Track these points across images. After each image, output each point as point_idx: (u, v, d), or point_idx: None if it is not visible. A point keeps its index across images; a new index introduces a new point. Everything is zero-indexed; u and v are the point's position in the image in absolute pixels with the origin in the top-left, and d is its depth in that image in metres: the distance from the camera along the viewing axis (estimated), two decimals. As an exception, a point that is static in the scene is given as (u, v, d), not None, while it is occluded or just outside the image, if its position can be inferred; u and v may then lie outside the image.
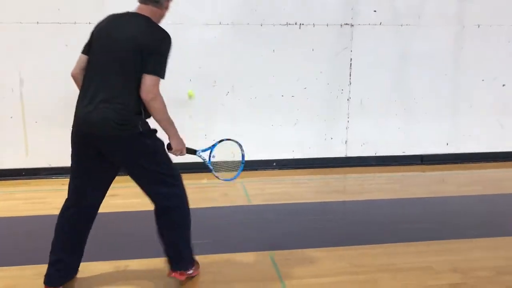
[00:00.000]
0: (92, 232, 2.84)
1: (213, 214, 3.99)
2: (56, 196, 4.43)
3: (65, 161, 4.81)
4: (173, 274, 2.82)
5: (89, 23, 4.73)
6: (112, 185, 2.80)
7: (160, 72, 2.54)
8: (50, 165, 5.02)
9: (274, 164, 5.37)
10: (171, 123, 2.65)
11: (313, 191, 4.82)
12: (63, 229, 2.74)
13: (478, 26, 5.37)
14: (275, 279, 2.94)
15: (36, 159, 4.98)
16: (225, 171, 3.07)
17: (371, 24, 5.21)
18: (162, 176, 2.67)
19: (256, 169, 5.28)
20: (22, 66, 4.78)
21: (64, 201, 2.78)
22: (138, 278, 2.97)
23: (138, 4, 2.67)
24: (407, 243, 3.42)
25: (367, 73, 5.32)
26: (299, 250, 3.31)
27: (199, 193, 4.53)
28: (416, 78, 5.40)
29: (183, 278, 2.84)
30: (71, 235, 2.75)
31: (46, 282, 2.74)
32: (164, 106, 2.58)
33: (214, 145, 2.99)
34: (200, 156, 2.92)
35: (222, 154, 3.04)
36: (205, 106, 5.13)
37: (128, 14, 2.66)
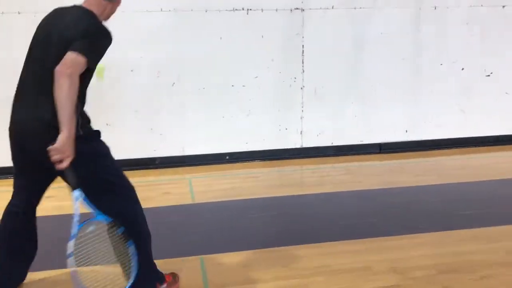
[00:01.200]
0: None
1: (147, 216, 3.75)
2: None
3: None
4: None
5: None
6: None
7: (86, 51, 2.16)
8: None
9: (227, 157, 5.14)
10: (71, 115, 2.14)
11: (264, 185, 4.60)
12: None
13: (435, 8, 5.17)
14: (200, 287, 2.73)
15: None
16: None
17: (322, 8, 4.97)
18: (104, 184, 2.35)
19: (207, 164, 5.06)
20: None
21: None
22: None
23: None
24: (347, 241, 3.23)
25: (320, 60, 5.09)
26: (233, 253, 3.10)
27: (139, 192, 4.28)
28: (372, 64, 5.20)
29: None
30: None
31: None
32: (75, 89, 2.13)
33: (103, 218, 2.26)
34: (76, 200, 2.19)
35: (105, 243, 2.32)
36: (150, 98, 4.87)
37: (70, 8, 2.39)
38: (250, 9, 4.84)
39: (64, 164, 2.13)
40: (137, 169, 4.79)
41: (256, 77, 5.00)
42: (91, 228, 2.21)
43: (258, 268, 2.91)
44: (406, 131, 5.45)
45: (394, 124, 5.39)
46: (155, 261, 2.57)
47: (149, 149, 4.94)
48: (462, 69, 5.36)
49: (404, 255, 3.02)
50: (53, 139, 2.12)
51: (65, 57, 2.15)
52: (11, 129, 2.38)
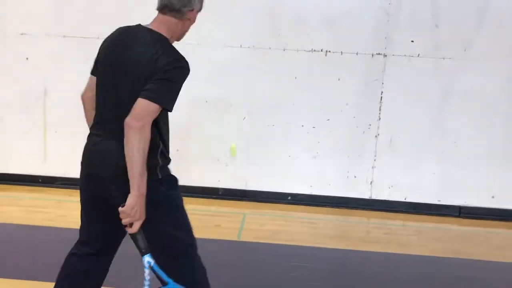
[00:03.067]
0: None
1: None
2: (56, 207, 4.53)
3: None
4: None
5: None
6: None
7: (159, 98, 1.97)
8: (65, 175, 5.11)
9: (289, 198, 5.00)
10: (143, 172, 1.94)
11: (319, 233, 4.38)
12: None
13: (538, 64, 4.63)
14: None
15: (53, 167, 5.10)
16: None
17: (407, 56, 4.70)
18: (174, 241, 2.14)
19: (268, 201, 4.96)
20: (47, 77, 4.95)
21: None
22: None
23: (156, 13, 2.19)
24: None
25: (400, 109, 4.79)
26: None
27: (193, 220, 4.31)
28: (458, 119, 4.76)
29: None
30: None
31: None
32: (147, 145, 1.94)
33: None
34: (146, 267, 2.03)
35: None
36: (220, 129, 4.94)
37: (138, 30, 2.16)
38: (329, 51, 4.74)
39: (135, 228, 1.98)
40: (201, 197, 4.86)
41: (328, 119, 4.85)
42: None
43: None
44: (493, 196, 4.87)
45: (478, 187, 4.85)
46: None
47: (214, 179, 4.98)
48: None
49: None
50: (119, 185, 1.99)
51: (135, 105, 1.95)
52: (83, 159, 2.21)
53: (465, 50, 4.65)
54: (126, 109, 1.97)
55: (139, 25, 2.18)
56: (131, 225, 1.98)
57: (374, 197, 4.97)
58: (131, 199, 1.93)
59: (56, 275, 2.35)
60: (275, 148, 4.93)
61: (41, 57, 4.92)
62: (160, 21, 2.14)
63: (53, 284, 2.37)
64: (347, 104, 4.83)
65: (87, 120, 2.32)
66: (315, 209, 4.92)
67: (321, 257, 3.77)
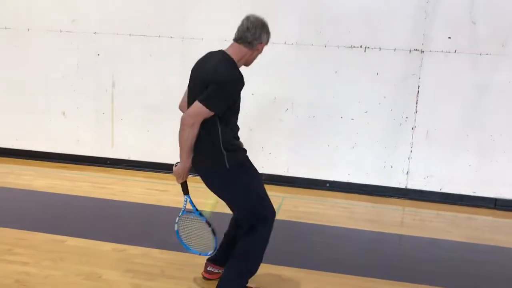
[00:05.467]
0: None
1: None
2: (119, 184, 5.17)
3: (143, 155, 5.48)
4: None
5: (171, 37, 5.41)
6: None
7: (209, 102, 2.55)
8: (129, 157, 5.77)
9: (327, 185, 5.35)
10: (187, 150, 2.66)
11: (351, 216, 4.68)
12: None
13: None
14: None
15: (119, 151, 5.78)
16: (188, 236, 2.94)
17: (444, 52, 4.89)
18: (243, 208, 2.81)
19: (307, 187, 5.34)
20: (115, 70, 5.62)
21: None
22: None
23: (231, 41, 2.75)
24: (400, 282, 3.23)
25: (436, 102, 4.99)
26: (271, 266, 3.35)
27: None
28: (494, 113, 4.90)
29: None
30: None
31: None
32: (194, 137, 2.62)
33: (200, 214, 2.86)
34: (185, 201, 2.89)
35: (195, 228, 2.91)
36: (265, 120, 5.37)
37: (216, 52, 2.75)
38: (368, 47, 5.03)
39: (178, 181, 2.83)
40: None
41: (366, 112, 5.14)
42: (191, 216, 2.90)
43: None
44: (530, 190, 4.96)
45: (514, 180, 4.96)
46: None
47: (258, 166, 5.40)
48: None
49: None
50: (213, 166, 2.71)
51: (192, 105, 2.59)
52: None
53: (502, 46, 4.77)
54: None
55: (220, 50, 2.77)
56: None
57: (409, 186, 5.21)
58: (178, 166, 2.76)
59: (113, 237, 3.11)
60: (315, 138, 5.29)
61: (110, 53, 5.60)
62: (235, 48, 2.73)
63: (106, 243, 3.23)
64: (384, 97, 5.09)
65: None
66: (352, 196, 5.23)
67: (351, 236, 4.10)
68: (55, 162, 5.84)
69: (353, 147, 5.23)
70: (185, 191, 2.90)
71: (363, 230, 4.28)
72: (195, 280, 3.12)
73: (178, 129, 2.65)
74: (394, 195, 5.23)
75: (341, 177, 5.32)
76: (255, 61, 5.22)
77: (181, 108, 2.94)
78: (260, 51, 2.78)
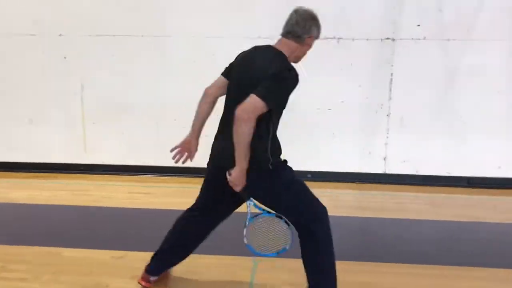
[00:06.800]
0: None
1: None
2: (99, 190, 5.02)
3: (117, 159, 5.40)
4: None
5: (142, 36, 5.28)
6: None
7: (266, 96, 2.34)
8: (103, 162, 5.60)
9: (309, 175, 5.41)
10: (246, 153, 2.41)
11: (336, 204, 4.74)
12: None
13: (538, 41, 4.95)
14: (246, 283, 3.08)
15: (93, 156, 5.59)
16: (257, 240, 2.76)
17: (414, 39, 5.06)
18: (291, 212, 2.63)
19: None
20: (83, 73, 5.42)
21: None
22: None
23: (279, 36, 2.64)
24: (392, 264, 3.33)
25: (409, 89, 5.17)
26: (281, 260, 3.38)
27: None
28: (464, 96, 5.13)
29: None
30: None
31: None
32: (250, 134, 2.36)
33: (267, 212, 2.72)
34: (248, 206, 2.70)
35: (266, 230, 2.77)
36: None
37: (265, 47, 2.62)
38: (341, 38, 5.12)
39: (237, 189, 2.51)
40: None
41: (343, 101, 5.25)
42: (259, 220, 2.72)
43: (301, 275, 3.16)
44: (499, 167, 5.24)
45: (485, 158, 5.22)
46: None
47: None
48: None
49: (451, 285, 3.05)
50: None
51: (246, 99, 2.34)
52: (211, 153, 2.72)
53: (468, 31, 4.99)
54: None
55: (268, 45, 2.64)
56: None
57: (388, 171, 5.37)
58: (235, 171, 2.44)
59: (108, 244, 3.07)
60: (295, 130, 5.32)
61: (78, 55, 5.39)
62: (283, 43, 2.60)
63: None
64: (360, 86, 5.21)
65: (198, 109, 2.83)
66: (334, 184, 5.33)
67: (340, 223, 4.18)
68: (27, 172, 5.57)
69: (332, 137, 5.33)
70: (246, 197, 2.65)
71: (349, 216, 4.38)
72: (206, 277, 3.09)
73: (233, 129, 2.39)
74: (374, 180, 5.38)
75: (322, 167, 5.41)
76: (232, 57, 5.21)
77: (208, 93, 2.79)
78: (310, 46, 2.66)
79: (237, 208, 2.84)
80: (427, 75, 5.12)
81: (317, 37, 2.67)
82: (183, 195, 4.74)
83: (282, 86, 2.41)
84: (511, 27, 4.96)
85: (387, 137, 5.30)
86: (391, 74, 5.16)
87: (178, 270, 3.13)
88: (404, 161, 5.34)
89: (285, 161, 2.68)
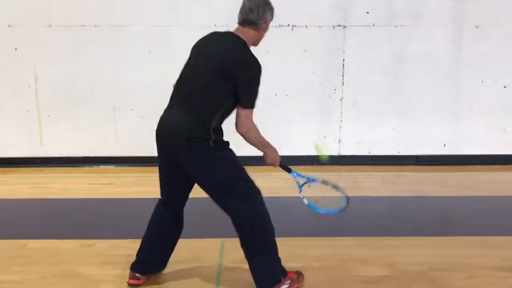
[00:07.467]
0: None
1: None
2: (57, 183, 4.97)
3: (75, 151, 5.34)
4: None
5: (95, 25, 5.23)
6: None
7: (250, 103, 2.63)
8: (61, 154, 5.53)
9: (268, 160, 5.57)
10: (264, 144, 2.80)
11: (292, 186, 4.94)
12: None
13: (477, 27, 5.31)
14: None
15: (50, 149, 5.51)
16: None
17: (364, 26, 5.29)
18: (230, 190, 2.69)
19: (250, 165, 5.49)
20: (36, 64, 5.31)
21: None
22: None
23: (236, 25, 2.74)
24: (353, 237, 3.56)
25: (360, 74, 5.41)
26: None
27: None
28: (411, 80, 5.43)
29: None
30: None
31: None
32: (258, 134, 2.73)
33: (314, 180, 2.97)
34: (294, 177, 2.98)
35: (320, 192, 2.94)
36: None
37: (222, 33, 2.75)
38: (295, 26, 5.29)
39: (276, 165, 2.90)
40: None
41: (299, 87, 5.43)
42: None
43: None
44: (444, 145, 5.60)
45: (432, 138, 5.56)
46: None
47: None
48: (505, 87, 5.43)
49: (402, 253, 3.31)
50: (185, 148, 2.58)
51: (237, 114, 2.64)
52: (157, 130, 2.73)
53: (414, 18, 5.28)
54: (202, 89, 2.58)
55: (227, 31, 2.76)
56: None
57: (342, 153, 5.62)
58: (268, 155, 2.86)
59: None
60: (254, 116, 5.46)
61: (29, 46, 5.27)
62: (241, 31, 2.71)
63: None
64: (314, 73, 5.41)
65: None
66: (292, 168, 5.50)
67: (291, 203, 4.35)
68: (-21, 167, 5.43)
69: (290, 122, 5.51)
70: (287, 169, 2.98)
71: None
72: (175, 259, 3.16)
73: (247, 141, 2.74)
74: (329, 162, 5.60)
75: (280, 152, 5.53)
76: (188, 46, 5.26)
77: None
78: (266, 30, 2.76)
79: (191, 188, 2.85)
80: (377, 60, 5.37)
81: (271, 20, 2.77)
82: (143, 184, 4.83)
83: (255, 86, 2.65)
84: (455, 14, 5.28)
85: (341, 120, 5.54)
86: (343, 60, 5.39)
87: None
88: (357, 143, 5.60)
89: (228, 143, 2.78)
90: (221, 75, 2.57)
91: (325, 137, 5.57)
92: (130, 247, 3.37)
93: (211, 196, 2.72)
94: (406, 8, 5.24)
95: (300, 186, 2.95)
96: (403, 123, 5.53)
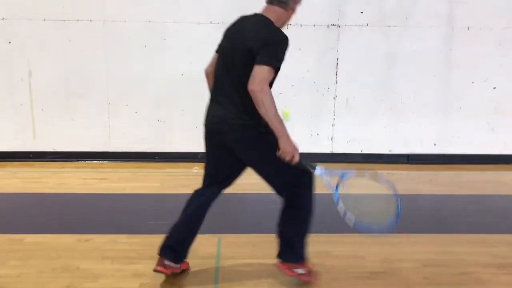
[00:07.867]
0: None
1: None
2: (52, 177, 4.96)
3: (68, 146, 5.35)
4: (280, 265, 2.82)
5: (90, 20, 5.22)
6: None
7: (267, 60, 2.41)
8: (54, 149, 5.51)
9: (261, 157, 5.62)
10: (278, 120, 2.50)
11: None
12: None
13: (468, 28, 5.41)
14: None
15: (43, 143, 5.49)
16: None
17: (357, 25, 5.36)
18: (284, 169, 2.63)
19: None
20: (30, 58, 5.29)
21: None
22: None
23: (264, 4, 2.67)
24: (347, 234, 3.62)
25: (353, 73, 5.48)
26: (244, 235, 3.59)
27: (182, 180, 4.86)
28: (403, 79, 5.52)
29: (289, 273, 2.80)
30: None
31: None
32: (272, 100, 2.45)
33: (346, 174, 2.77)
34: (321, 177, 2.66)
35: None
36: (195, 101, 5.42)
37: (251, 16, 2.67)
38: (290, 24, 5.29)
39: (295, 160, 2.56)
40: (183, 161, 5.36)
41: (292, 85, 5.48)
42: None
43: (263, 248, 3.37)
44: (435, 144, 5.70)
45: (422, 137, 5.66)
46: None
47: (194, 145, 5.51)
48: (494, 88, 5.55)
49: (396, 250, 3.38)
50: (235, 135, 2.59)
51: (253, 73, 2.41)
52: (205, 124, 2.73)
53: (406, 19, 5.36)
54: (238, 74, 2.51)
55: (255, 13, 2.68)
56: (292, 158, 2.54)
57: (334, 151, 5.70)
58: (280, 143, 2.51)
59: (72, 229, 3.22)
60: (247, 113, 5.51)
61: (23, 40, 5.24)
62: (269, 10, 2.63)
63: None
64: (308, 71, 5.47)
65: (210, 93, 2.79)
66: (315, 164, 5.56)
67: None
68: (-28, 161, 5.39)
69: (283, 119, 5.54)
70: (311, 166, 2.64)
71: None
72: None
73: (257, 106, 2.44)
74: (322, 160, 5.65)
75: (273, 149, 5.62)
76: (183, 42, 5.27)
77: (207, 72, 2.83)
78: (294, 10, 2.69)
79: (240, 172, 2.86)
80: (369, 59, 5.45)
81: (300, 2, 2.71)
82: (138, 180, 4.84)
83: (278, 47, 2.50)
84: (446, 15, 5.38)
85: (334, 118, 5.61)
86: (337, 59, 5.45)
87: (148, 250, 3.24)
88: (349, 141, 5.68)
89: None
90: (252, 56, 2.47)
91: (318, 134, 5.64)
92: (127, 242, 3.43)
93: (264, 176, 2.71)
94: (399, 8, 5.32)
95: (336, 191, 2.63)
96: (395, 122, 5.62)
